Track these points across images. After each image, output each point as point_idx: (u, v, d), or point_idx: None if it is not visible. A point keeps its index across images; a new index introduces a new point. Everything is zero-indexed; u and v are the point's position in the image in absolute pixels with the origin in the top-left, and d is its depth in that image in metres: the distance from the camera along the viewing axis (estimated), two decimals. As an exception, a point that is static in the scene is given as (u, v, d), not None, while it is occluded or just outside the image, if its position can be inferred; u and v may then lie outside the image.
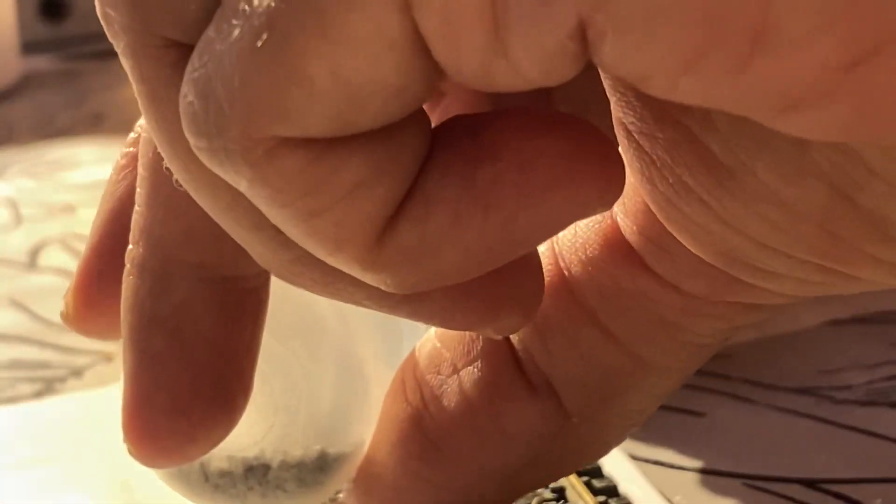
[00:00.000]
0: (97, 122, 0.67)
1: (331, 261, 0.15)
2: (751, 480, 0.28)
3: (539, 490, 0.26)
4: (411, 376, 0.22)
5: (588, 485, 0.26)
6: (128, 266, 0.20)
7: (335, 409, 0.22)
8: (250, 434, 0.22)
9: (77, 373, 0.36)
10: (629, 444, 0.29)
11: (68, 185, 0.56)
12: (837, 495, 0.27)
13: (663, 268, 0.19)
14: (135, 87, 0.16)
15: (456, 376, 0.21)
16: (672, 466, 0.29)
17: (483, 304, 0.17)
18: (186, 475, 0.23)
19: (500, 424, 0.21)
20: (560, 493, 0.26)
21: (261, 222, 0.16)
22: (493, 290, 0.17)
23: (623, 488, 0.27)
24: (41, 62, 0.80)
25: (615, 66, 0.12)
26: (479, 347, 0.21)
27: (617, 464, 0.28)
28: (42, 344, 0.38)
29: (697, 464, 0.29)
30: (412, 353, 0.22)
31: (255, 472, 0.22)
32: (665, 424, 0.31)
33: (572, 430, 0.21)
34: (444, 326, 0.19)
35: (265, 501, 0.23)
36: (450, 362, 0.21)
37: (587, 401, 0.21)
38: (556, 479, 0.24)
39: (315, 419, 0.22)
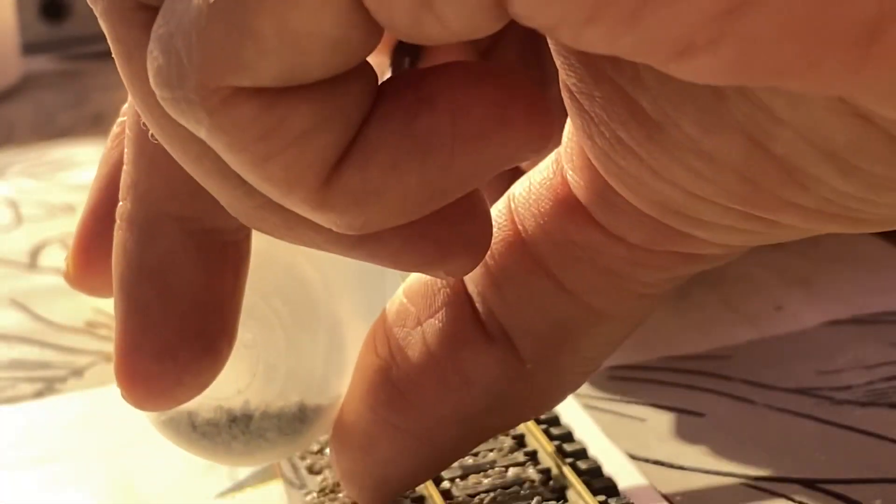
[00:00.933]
0: (97, 122, 0.67)
1: (285, 202, 0.17)
2: (750, 480, 0.28)
3: (539, 490, 0.26)
4: (381, 330, 0.23)
5: (588, 485, 0.26)
6: (118, 221, 0.21)
7: (314, 363, 0.24)
8: (235, 382, 0.24)
9: (77, 373, 0.36)
10: (629, 444, 0.29)
11: (68, 185, 0.56)
12: (837, 495, 0.27)
13: (608, 220, 0.20)
14: (112, 49, 0.18)
15: (420, 328, 0.23)
16: (672, 466, 0.29)
17: (432, 246, 0.19)
18: (176, 424, 0.24)
19: (460, 371, 0.22)
20: (560, 493, 0.26)
21: (226, 171, 0.17)
22: (442, 235, 0.19)
23: (623, 488, 0.27)
24: (41, 62, 0.80)
25: (526, 17, 0.13)
26: (440, 301, 0.23)
27: (617, 464, 0.28)
28: (42, 344, 0.39)
29: (697, 464, 0.29)
30: (383, 310, 0.24)
31: (239, 423, 0.24)
32: (665, 424, 0.31)
33: (528, 376, 0.23)
34: (396, 268, 0.20)
35: (248, 449, 0.24)
36: (414, 316, 0.23)
37: (541, 347, 0.22)
38: (516, 425, 0.26)
39: (295, 372, 0.24)
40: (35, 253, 0.47)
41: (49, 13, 0.85)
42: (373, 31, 0.15)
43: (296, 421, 0.24)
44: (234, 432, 0.24)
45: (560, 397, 0.24)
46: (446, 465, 0.25)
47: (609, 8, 0.12)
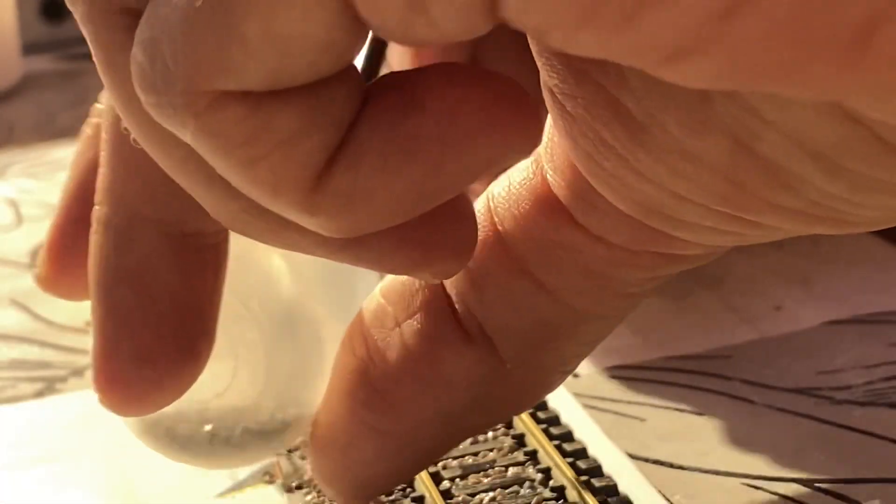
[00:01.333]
0: (97, 122, 0.67)
1: (272, 206, 0.17)
2: (750, 480, 0.28)
3: (539, 490, 0.26)
4: (358, 331, 0.23)
5: (588, 484, 0.26)
6: (94, 225, 0.21)
7: (292, 364, 0.24)
8: (213, 386, 0.24)
9: (78, 372, 0.36)
10: (629, 444, 0.29)
11: (69, 186, 0.56)
12: (836, 495, 0.27)
13: (589, 220, 0.20)
14: (93, 53, 0.18)
15: (398, 329, 0.22)
16: (672, 466, 0.29)
17: (419, 249, 0.19)
18: (154, 434, 0.24)
19: (438, 371, 0.22)
20: (560, 492, 0.26)
21: (211, 175, 0.17)
22: (428, 237, 0.19)
23: (623, 488, 0.27)
24: (41, 62, 0.80)
25: (518, 20, 0.13)
26: (418, 301, 0.22)
27: (617, 463, 0.28)
28: (43, 344, 0.39)
29: (697, 463, 0.29)
30: (360, 311, 0.23)
31: (218, 436, 0.24)
32: (665, 424, 0.31)
33: (507, 375, 0.22)
34: (383, 271, 0.20)
35: (230, 453, 0.24)
36: (392, 316, 0.23)
37: (520, 347, 0.22)
38: (496, 424, 0.26)
39: (273, 374, 0.24)
40: (35, 253, 0.47)
41: (49, 13, 0.85)
42: (359, 33, 0.15)
43: (276, 428, 0.24)
44: (213, 444, 0.24)
45: (541, 395, 0.24)
46: (427, 465, 0.25)
47: (602, 11, 0.12)
